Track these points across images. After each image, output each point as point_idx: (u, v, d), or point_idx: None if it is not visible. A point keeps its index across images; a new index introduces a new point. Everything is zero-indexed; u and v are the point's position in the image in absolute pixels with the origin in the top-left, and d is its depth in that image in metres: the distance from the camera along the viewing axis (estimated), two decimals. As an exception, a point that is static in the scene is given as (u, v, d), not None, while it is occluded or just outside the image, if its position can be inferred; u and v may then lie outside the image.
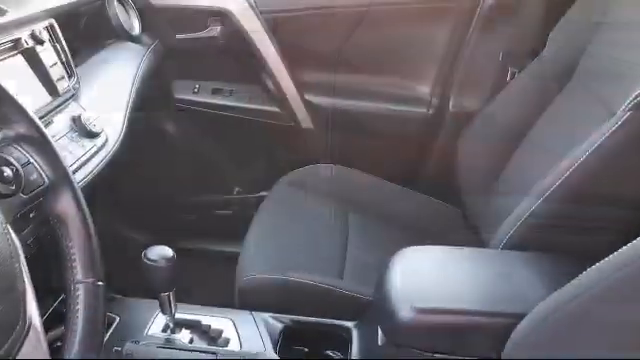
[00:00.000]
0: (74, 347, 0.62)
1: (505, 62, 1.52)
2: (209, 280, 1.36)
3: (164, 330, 1.01)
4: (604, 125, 0.95)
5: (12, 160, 0.61)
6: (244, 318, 1.06)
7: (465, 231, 1.35)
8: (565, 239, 0.96)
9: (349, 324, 1.06)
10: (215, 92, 1.72)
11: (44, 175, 0.64)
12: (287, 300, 1.10)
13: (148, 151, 1.59)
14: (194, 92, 1.72)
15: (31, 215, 0.65)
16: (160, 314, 1.02)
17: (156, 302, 0.99)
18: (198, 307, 1.08)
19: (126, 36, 1.50)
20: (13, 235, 0.55)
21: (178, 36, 1.63)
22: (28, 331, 0.53)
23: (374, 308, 0.90)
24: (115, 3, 1.47)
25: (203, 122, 1.73)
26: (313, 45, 1.66)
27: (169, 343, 0.99)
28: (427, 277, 0.87)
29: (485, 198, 1.30)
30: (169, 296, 0.96)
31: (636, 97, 0.91)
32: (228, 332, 1.02)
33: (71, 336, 0.63)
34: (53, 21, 1.10)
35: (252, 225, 1.31)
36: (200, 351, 0.97)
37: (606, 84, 1.11)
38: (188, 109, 1.72)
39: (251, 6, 1.59)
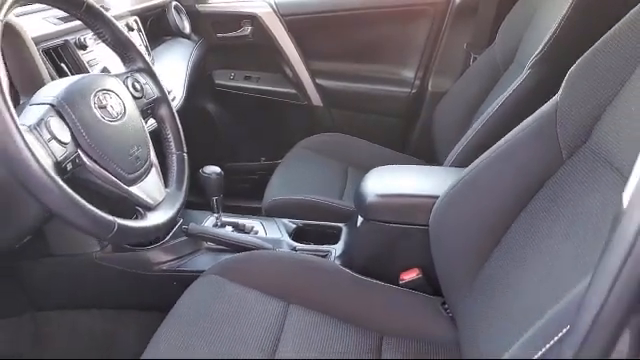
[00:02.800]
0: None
1: (468, 50, 1.94)
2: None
3: (214, 226, 1.45)
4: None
5: (139, 80, 1.07)
6: (269, 221, 1.50)
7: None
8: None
9: (341, 224, 1.49)
10: (246, 78, 2.20)
11: (153, 91, 1.10)
12: (300, 213, 1.54)
13: (193, 125, 2.04)
14: (230, 78, 2.20)
15: (148, 111, 1.10)
16: (211, 217, 1.47)
17: (207, 212, 1.43)
18: (236, 215, 1.52)
19: (180, 34, 1.98)
20: (142, 119, 1.01)
21: (218, 35, 2.11)
22: (150, 166, 0.99)
23: (354, 200, 1.32)
24: (172, 9, 1.95)
25: (236, 102, 2.19)
26: (321, 40, 2.11)
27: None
28: (387, 179, 1.30)
29: (450, 148, 1.72)
30: (217, 200, 1.41)
31: (533, 59, 1.33)
32: (258, 228, 1.46)
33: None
34: (137, 17, 1.58)
35: (277, 170, 1.76)
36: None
37: (529, 58, 1.53)
38: (225, 92, 2.19)
39: (274, 11, 2.06)
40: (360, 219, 1.29)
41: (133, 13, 1.59)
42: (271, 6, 2.05)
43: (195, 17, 2.07)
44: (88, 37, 1.25)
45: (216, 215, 1.44)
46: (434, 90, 2.01)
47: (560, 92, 0.91)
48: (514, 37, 1.63)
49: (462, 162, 1.40)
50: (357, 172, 1.79)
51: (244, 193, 2.21)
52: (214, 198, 1.40)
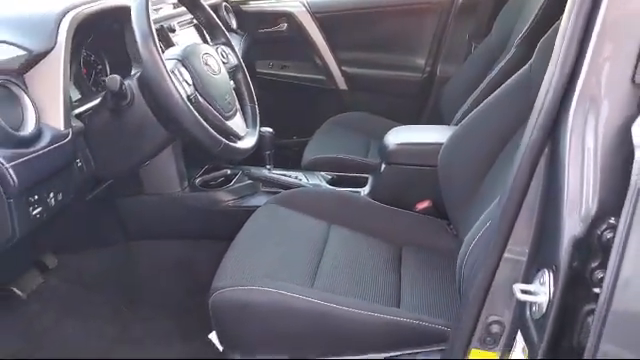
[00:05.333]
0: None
1: (470, 40, 2.30)
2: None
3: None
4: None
5: (225, 51, 1.45)
6: (309, 173, 1.86)
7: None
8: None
9: (367, 175, 1.86)
10: (283, 67, 2.59)
11: (233, 60, 1.48)
12: (334, 168, 1.91)
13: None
14: (269, 67, 2.59)
15: (230, 74, 1.47)
16: (264, 169, 1.84)
17: (261, 167, 1.80)
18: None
19: (228, 29, 2.37)
20: (229, 78, 1.39)
21: (260, 30, 2.50)
22: (237, 110, 1.37)
23: (379, 150, 1.67)
24: (223, 8, 2.35)
25: (274, 87, 2.58)
26: (346, 34, 2.48)
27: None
28: (405, 133, 1.67)
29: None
30: (269, 154, 1.78)
31: (518, 40, 1.70)
32: (301, 178, 1.83)
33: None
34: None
35: (311, 139, 2.13)
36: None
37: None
38: (265, 78, 2.58)
39: (307, 9, 2.45)
40: (383, 165, 1.66)
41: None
42: (304, 5, 2.44)
43: (240, 15, 2.46)
44: (176, 23, 1.64)
45: (268, 167, 1.81)
46: (441, 75, 2.38)
47: (533, 57, 1.25)
48: (507, 27, 1.95)
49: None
50: (377, 143, 2.15)
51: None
52: (267, 152, 1.78)
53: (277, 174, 1.83)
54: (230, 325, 1.14)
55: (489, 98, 1.37)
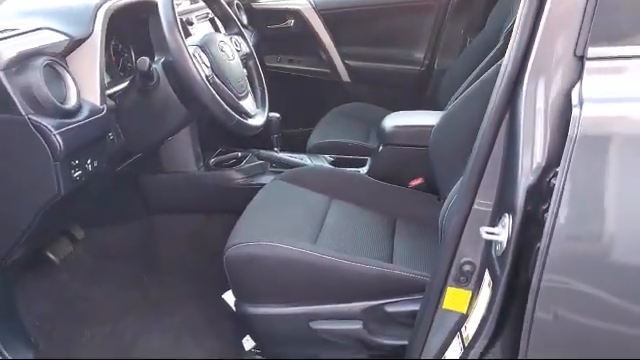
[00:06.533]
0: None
1: (465, 34, 2.47)
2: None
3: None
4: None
5: (238, 40, 1.62)
6: (313, 156, 2.04)
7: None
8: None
9: (366, 157, 2.02)
10: (290, 61, 2.76)
11: (245, 49, 1.66)
12: (336, 151, 2.08)
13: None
14: (277, 61, 2.76)
15: (242, 62, 1.65)
16: (271, 152, 2.01)
17: (269, 150, 1.97)
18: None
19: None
20: (241, 64, 1.57)
21: (268, 26, 2.68)
22: (248, 92, 1.54)
23: (377, 132, 1.84)
24: (235, 6, 2.52)
25: (282, 80, 2.74)
26: (350, 30, 2.64)
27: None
28: (401, 117, 1.84)
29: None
30: (276, 138, 1.95)
31: (506, 31, 1.85)
32: (306, 160, 2.00)
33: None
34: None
35: (316, 126, 2.30)
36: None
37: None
38: (273, 72, 2.74)
39: (313, 7, 2.62)
40: (381, 147, 1.82)
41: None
42: (310, 3, 2.61)
43: (250, 12, 2.64)
44: (193, 17, 1.82)
45: (276, 149, 1.98)
46: (439, 68, 2.54)
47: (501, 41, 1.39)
48: (499, 23, 2.08)
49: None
50: (377, 130, 2.32)
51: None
52: (274, 136, 1.95)
53: (284, 156, 2.00)
54: (242, 276, 1.31)
55: (474, 84, 1.53)
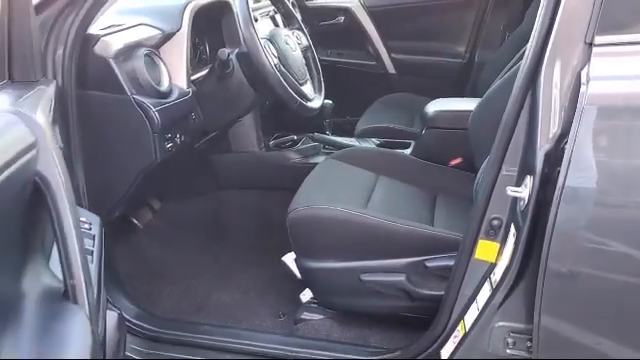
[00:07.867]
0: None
1: (504, 30, 2.63)
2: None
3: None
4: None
5: (299, 34, 1.86)
6: (362, 140, 2.25)
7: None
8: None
9: (411, 141, 2.22)
10: (339, 54, 2.98)
11: (304, 42, 1.89)
12: (382, 135, 2.29)
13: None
14: (328, 55, 2.98)
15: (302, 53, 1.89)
16: (323, 134, 2.24)
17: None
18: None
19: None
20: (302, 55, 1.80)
21: (320, 23, 2.91)
22: (307, 79, 1.77)
23: (421, 116, 2.04)
24: (290, 4, 2.75)
25: (332, 72, 2.95)
26: (396, 25, 2.84)
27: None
28: (443, 103, 2.03)
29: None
30: (328, 122, 2.18)
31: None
32: (355, 143, 2.22)
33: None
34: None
35: (364, 114, 2.51)
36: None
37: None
38: (324, 65, 2.93)
39: (362, 4, 2.84)
40: (424, 130, 2.02)
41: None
42: (359, 1, 2.83)
43: (304, 10, 2.87)
44: (257, 14, 2.06)
45: (328, 132, 2.21)
46: (479, 60, 2.70)
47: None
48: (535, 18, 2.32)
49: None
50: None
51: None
52: (327, 120, 2.18)
53: (335, 138, 2.23)
54: (303, 235, 1.53)
55: (509, 72, 1.71)
